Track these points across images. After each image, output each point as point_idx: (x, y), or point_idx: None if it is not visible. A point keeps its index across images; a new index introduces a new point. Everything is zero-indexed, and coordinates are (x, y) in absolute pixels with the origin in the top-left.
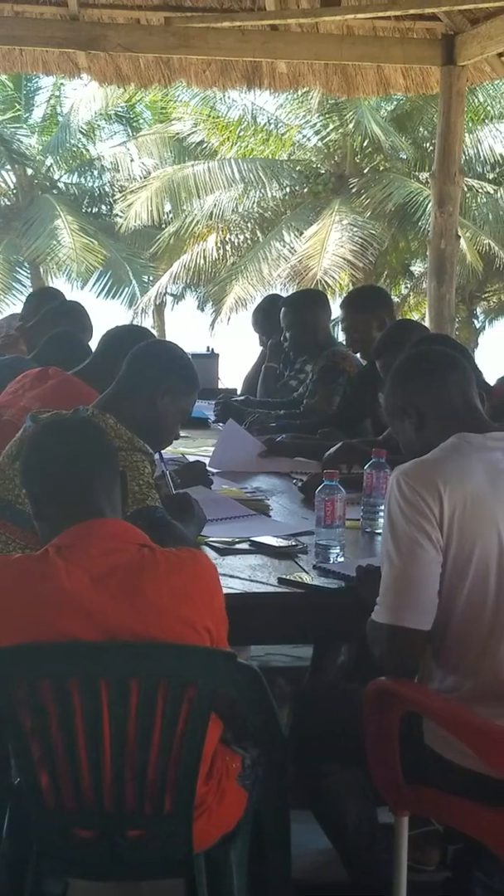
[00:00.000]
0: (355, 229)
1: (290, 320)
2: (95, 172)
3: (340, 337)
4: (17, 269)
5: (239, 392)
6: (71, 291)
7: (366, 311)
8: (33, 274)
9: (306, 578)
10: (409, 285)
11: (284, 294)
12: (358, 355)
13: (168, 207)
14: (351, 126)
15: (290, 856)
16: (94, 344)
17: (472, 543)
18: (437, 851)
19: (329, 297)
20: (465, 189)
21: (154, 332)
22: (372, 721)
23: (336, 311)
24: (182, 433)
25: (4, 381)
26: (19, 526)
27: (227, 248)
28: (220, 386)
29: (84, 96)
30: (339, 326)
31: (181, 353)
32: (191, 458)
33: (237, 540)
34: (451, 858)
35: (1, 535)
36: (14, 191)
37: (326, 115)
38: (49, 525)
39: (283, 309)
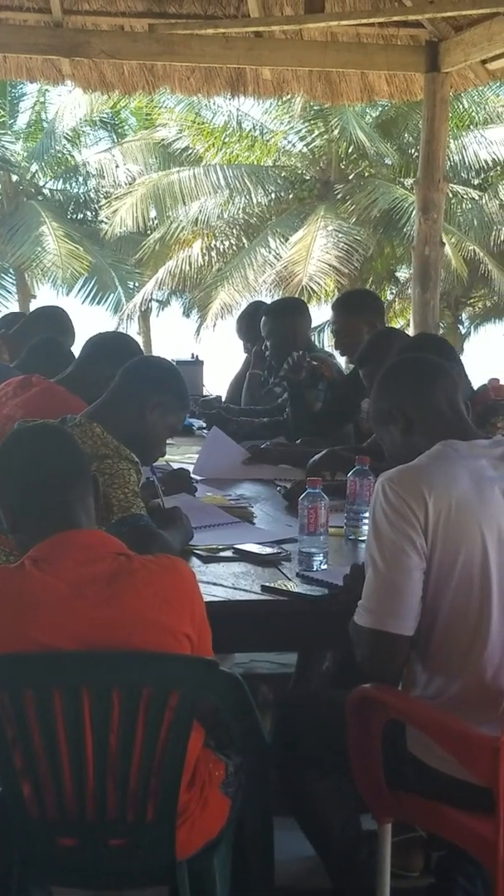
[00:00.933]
0: (340, 235)
1: (269, 328)
2: (80, 179)
3: (325, 342)
4: (2, 275)
5: (224, 399)
6: (56, 297)
7: (357, 315)
8: (18, 280)
9: (290, 586)
10: (394, 291)
11: (269, 300)
12: (344, 360)
13: (153, 213)
14: (336, 132)
15: (273, 863)
16: (76, 348)
17: (457, 550)
18: (420, 857)
19: (315, 302)
20: (450, 195)
21: (139, 338)
22: (355, 728)
23: (320, 317)
24: (171, 441)
25: None
26: (4, 534)
27: (213, 254)
28: (205, 392)
29: (69, 103)
30: (329, 329)
31: (175, 370)
32: (175, 465)
33: (221, 547)
34: (435, 864)
35: None
36: None
37: (311, 122)
38: (26, 536)
39: (262, 318)
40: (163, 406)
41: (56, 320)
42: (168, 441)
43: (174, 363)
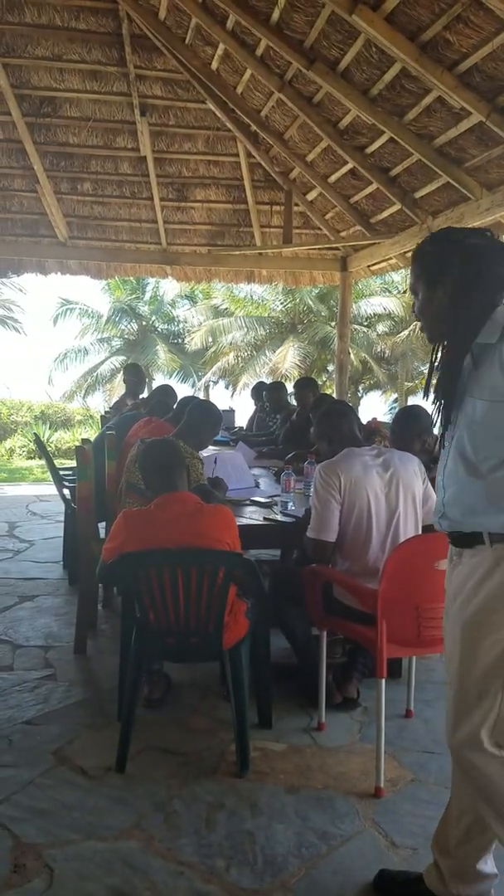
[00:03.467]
0: (300, 350)
1: (269, 396)
2: (175, 323)
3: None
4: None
5: (244, 428)
6: (163, 380)
7: (306, 388)
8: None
9: (277, 517)
10: (326, 377)
11: (266, 381)
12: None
13: (210, 340)
14: (297, 300)
15: (270, 650)
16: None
17: (354, 500)
18: (340, 648)
19: (288, 381)
20: (353, 330)
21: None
22: (308, 585)
23: (289, 387)
24: (214, 448)
25: (131, 425)
26: (140, 496)
27: (238, 359)
28: (236, 425)
29: (169, 287)
30: (293, 394)
31: (215, 408)
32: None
33: (244, 499)
34: (347, 652)
35: (132, 501)
36: (136, 333)
37: (285, 295)
38: (152, 493)
39: (265, 391)
40: (209, 431)
41: (165, 391)
42: (217, 449)
43: (218, 408)
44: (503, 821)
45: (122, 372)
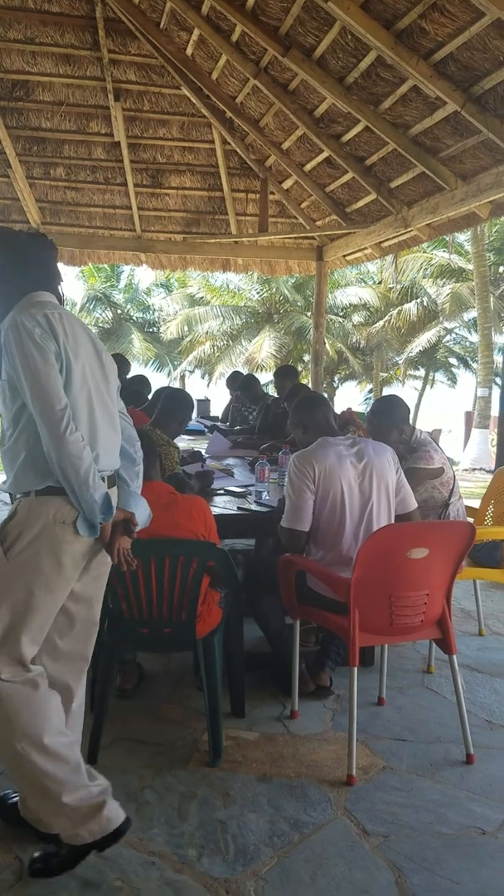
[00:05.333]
0: (276, 340)
1: (244, 392)
2: (151, 312)
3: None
4: None
5: (220, 417)
6: (138, 370)
7: (284, 378)
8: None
9: (252, 507)
10: (301, 366)
11: (242, 371)
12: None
13: (186, 329)
14: (273, 289)
15: (243, 640)
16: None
17: (328, 489)
18: (313, 637)
19: (264, 371)
20: (329, 320)
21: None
22: (281, 574)
23: (266, 378)
24: (190, 437)
25: None
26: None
27: (214, 349)
28: (211, 415)
29: (145, 275)
30: (273, 383)
31: (186, 397)
32: (195, 449)
33: (218, 488)
34: (321, 640)
35: None
36: (110, 321)
37: (261, 284)
38: None
39: (240, 381)
40: (185, 418)
41: (140, 381)
42: (192, 438)
43: (190, 395)
44: None
45: None
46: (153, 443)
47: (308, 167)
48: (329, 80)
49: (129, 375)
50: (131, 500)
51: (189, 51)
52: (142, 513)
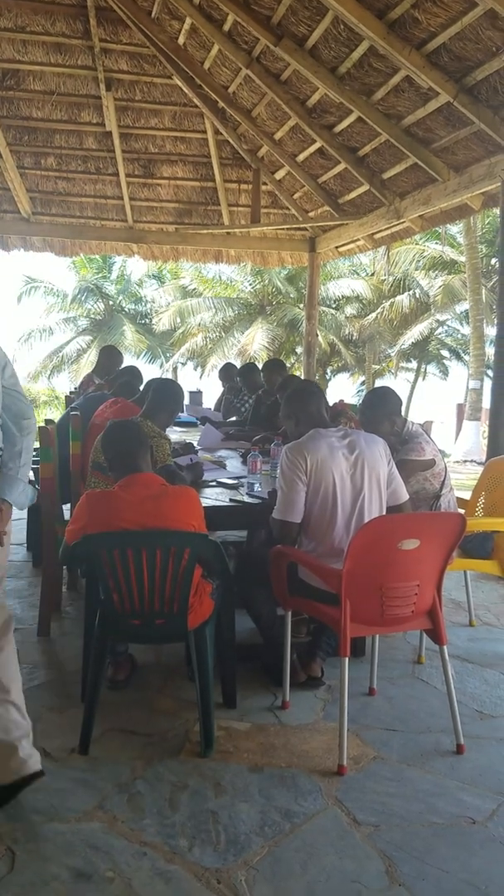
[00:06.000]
0: (268, 332)
1: (243, 379)
2: (143, 303)
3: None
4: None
5: (212, 410)
6: (130, 361)
7: (274, 372)
8: None
9: (243, 498)
10: (294, 359)
11: (235, 363)
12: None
13: (178, 320)
14: (266, 281)
15: (235, 631)
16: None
17: (320, 481)
18: (305, 628)
19: (256, 363)
20: (321, 312)
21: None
22: (273, 566)
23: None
24: (182, 430)
25: (97, 406)
26: (105, 475)
27: (207, 340)
28: (203, 407)
29: (137, 266)
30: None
31: (178, 388)
32: (187, 440)
33: (210, 480)
34: (312, 631)
35: (97, 480)
36: (102, 313)
37: (254, 276)
38: (116, 475)
39: (238, 371)
40: (175, 408)
41: (131, 372)
42: (184, 430)
43: (184, 389)
44: None
45: (99, 353)
46: (146, 434)
47: (300, 158)
48: (321, 70)
49: (121, 367)
50: (5, 485)
51: (181, 40)
52: (16, 498)
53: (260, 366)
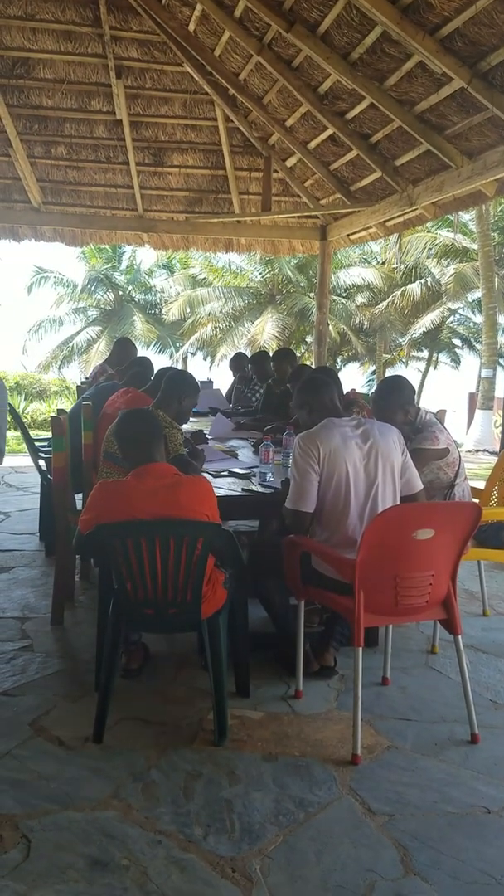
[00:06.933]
0: (278, 321)
1: (254, 367)
2: (153, 293)
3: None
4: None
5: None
6: (141, 351)
7: (284, 360)
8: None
9: (256, 488)
10: (304, 348)
11: (245, 352)
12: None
13: (188, 310)
14: (276, 270)
15: (248, 620)
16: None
17: (333, 471)
18: (317, 617)
19: (268, 352)
20: (332, 301)
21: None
22: (286, 556)
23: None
24: (195, 419)
25: (108, 395)
26: (118, 465)
27: (217, 330)
28: (214, 389)
29: (146, 256)
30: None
31: (192, 377)
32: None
33: (223, 470)
34: (325, 620)
35: (109, 470)
36: (112, 303)
37: (264, 265)
38: (129, 464)
39: (249, 359)
40: (187, 399)
41: (142, 362)
42: (196, 420)
43: (196, 379)
44: None
45: (113, 344)
46: (160, 424)
47: (312, 145)
48: (334, 56)
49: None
50: None
51: (191, 27)
52: None
53: (270, 355)
